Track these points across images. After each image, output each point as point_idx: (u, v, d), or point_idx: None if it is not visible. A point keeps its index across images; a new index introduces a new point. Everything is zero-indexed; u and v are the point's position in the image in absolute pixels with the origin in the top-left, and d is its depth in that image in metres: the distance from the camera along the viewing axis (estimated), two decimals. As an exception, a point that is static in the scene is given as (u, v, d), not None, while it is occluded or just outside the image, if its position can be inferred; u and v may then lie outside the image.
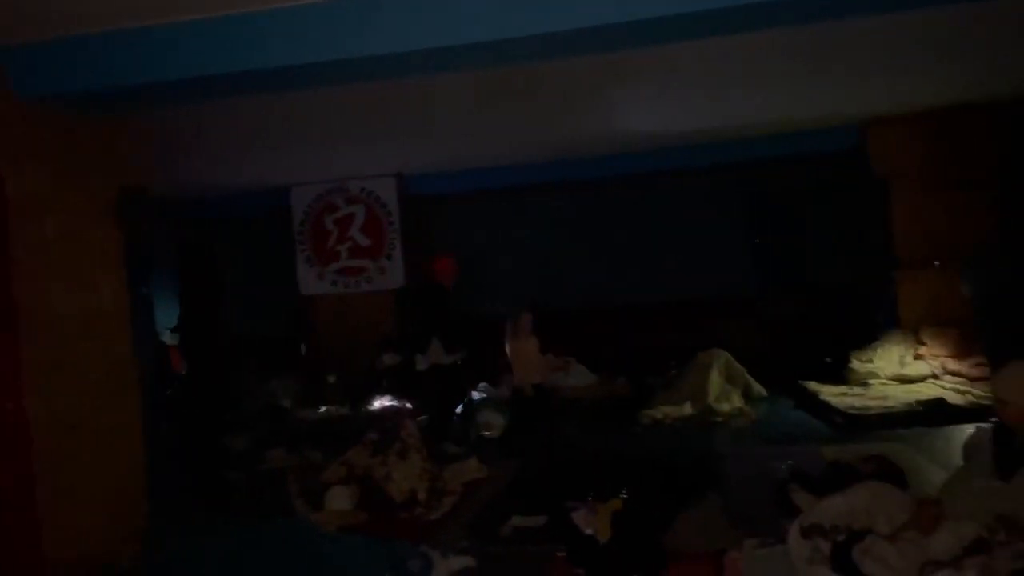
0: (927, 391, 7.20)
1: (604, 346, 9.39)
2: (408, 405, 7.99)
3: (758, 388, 8.03)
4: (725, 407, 7.46)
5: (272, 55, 3.90)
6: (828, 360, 8.29)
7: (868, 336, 8.35)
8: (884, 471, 4.29)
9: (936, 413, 6.36)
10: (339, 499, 5.02)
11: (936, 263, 7.99)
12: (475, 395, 8.30)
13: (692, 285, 10.09)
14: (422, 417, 7.60)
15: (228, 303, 9.45)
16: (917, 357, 7.84)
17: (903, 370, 7.74)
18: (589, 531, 4.22)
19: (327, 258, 9.62)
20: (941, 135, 8.06)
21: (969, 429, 4.47)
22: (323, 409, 8.35)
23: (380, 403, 8.07)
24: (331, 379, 8.78)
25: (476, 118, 6.87)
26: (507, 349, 7.53)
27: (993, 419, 3.58)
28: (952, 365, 7.55)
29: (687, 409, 7.44)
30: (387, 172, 9.30)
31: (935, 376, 7.62)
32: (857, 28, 5.01)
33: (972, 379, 7.07)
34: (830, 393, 7.48)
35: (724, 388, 7.79)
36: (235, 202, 9.90)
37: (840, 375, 8.02)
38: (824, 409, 7.06)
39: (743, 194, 10.31)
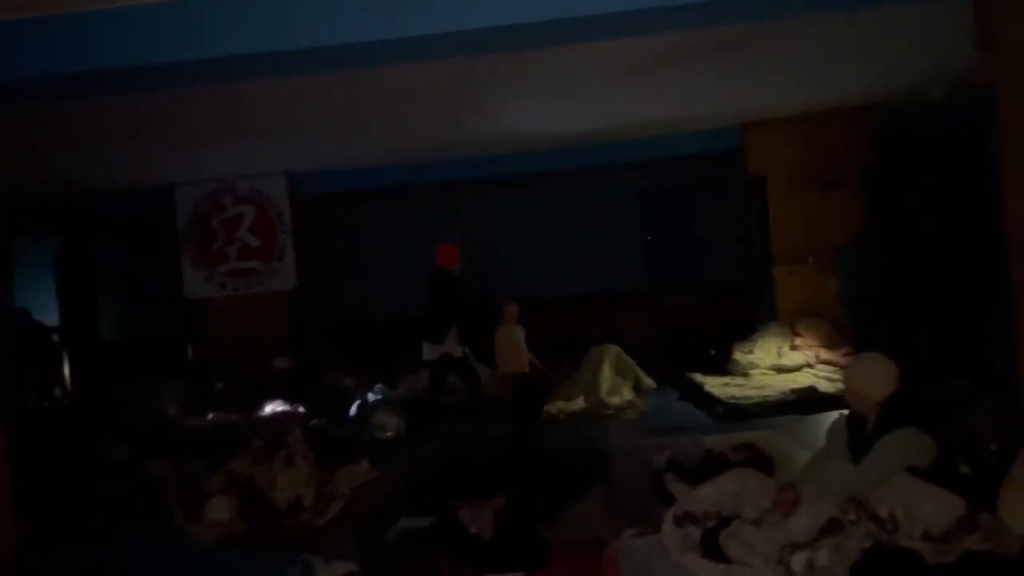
0: (802, 380, 7.56)
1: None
2: (300, 410, 7.83)
3: (648, 381, 8.27)
4: (615, 400, 7.65)
5: (150, 51, 3.74)
6: (713, 352, 8.60)
7: (749, 328, 8.71)
8: (754, 459, 4.50)
9: (808, 401, 6.69)
10: (219, 509, 4.87)
11: (809, 259, 8.40)
12: (370, 396, 8.21)
13: (587, 281, 10.30)
14: (315, 421, 7.48)
15: (107, 306, 9.06)
16: (793, 348, 8.23)
17: (780, 360, 8.11)
18: (473, 529, 4.25)
19: (215, 260, 9.32)
20: (813, 137, 8.48)
21: (836, 416, 4.70)
22: (211, 416, 8.08)
23: (271, 409, 7.88)
24: (219, 385, 8.51)
25: (364, 116, 6.81)
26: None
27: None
28: (825, 355, 7.97)
29: (579, 403, 7.58)
30: (276, 171, 9.08)
31: (810, 365, 8.01)
32: (736, 32, 5.22)
33: (842, 367, 7.47)
34: (713, 384, 7.77)
35: (615, 382, 7.98)
36: (119, 202, 9.47)
37: (724, 366, 8.34)
38: (707, 399, 7.33)
39: (635, 192, 10.58)
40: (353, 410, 7.81)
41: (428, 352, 7.11)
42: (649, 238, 10.56)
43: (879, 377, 3.49)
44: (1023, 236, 3.72)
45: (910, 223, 8.09)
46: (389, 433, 7.25)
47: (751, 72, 6.49)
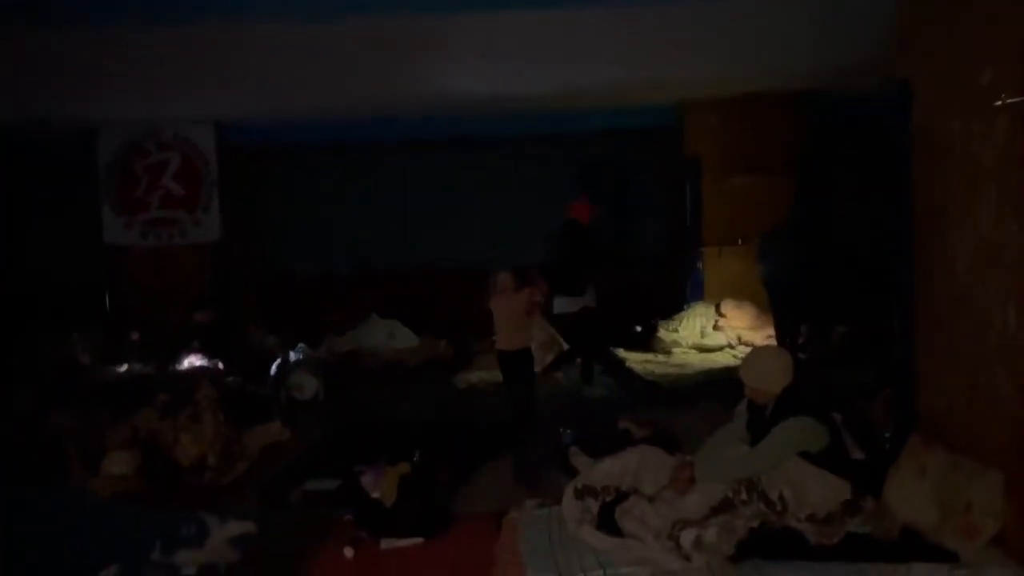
0: (722, 360, 7.71)
1: (429, 309, 9.40)
2: (219, 366, 7.66)
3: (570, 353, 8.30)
4: (537, 372, 7.66)
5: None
6: (638, 328, 8.69)
7: (676, 307, 8.82)
8: (657, 436, 4.57)
9: (723, 381, 6.81)
10: (117, 464, 4.76)
11: (739, 241, 8.52)
12: (291, 356, 8.09)
13: (519, 251, 10.22)
14: (232, 378, 7.34)
15: (20, 251, 8.67)
16: (716, 328, 8.38)
17: (703, 340, 8.25)
18: (376, 494, 4.24)
19: (136, 207, 9.00)
20: (749, 120, 8.57)
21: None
22: (124, 367, 7.86)
23: (188, 363, 7.69)
24: (135, 335, 8.27)
25: (297, 69, 6.60)
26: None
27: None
28: (747, 336, 8.13)
29: (497, 375, 7.57)
30: (205, 119, 8.78)
31: (731, 346, 8.17)
32: (674, 11, 5.20)
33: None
34: (636, 360, 7.86)
35: (538, 354, 7.98)
36: (36, 142, 9.04)
37: (648, 343, 8.44)
38: (628, 375, 7.41)
39: (571, 164, 10.54)
40: (273, 369, 7.67)
41: (562, 305, 6.97)
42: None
43: (774, 370, 3.56)
44: (925, 227, 3.82)
45: (835, 211, 8.24)
46: (307, 394, 7.16)
47: (686, 51, 6.49)
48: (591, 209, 7.14)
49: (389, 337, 8.90)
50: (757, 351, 3.74)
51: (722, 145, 8.70)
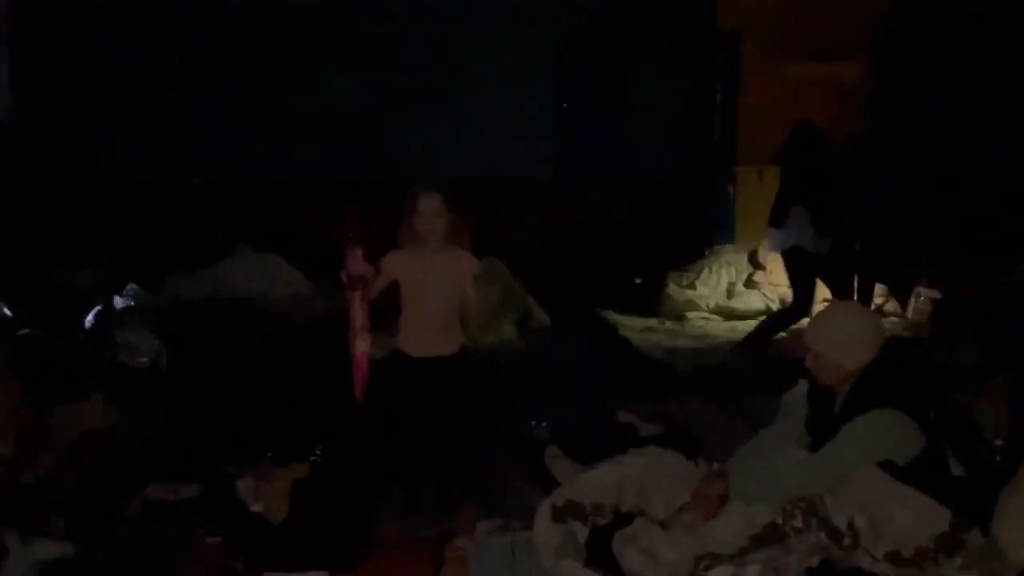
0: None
1: (327, 240, 9.35)
2: (5, 312, 7.56)
3: (540, 314, 8.40)
4: (490, 338, 7.75)
5: None
6: (638, 281, 8.82)
7: (692, 252, 8.95)
8: (672, 435, 4.68)
9: (762, 361, 6.98)
10: None
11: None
12: (118, 302, 8.03)
13: (467, 161, 10.26)
14: (25, 331, 7.25)
15: None
16: (750, 285, 8.54)
17: (730, 301, 8.42)
18: (257, 507, 4.27)
19: None
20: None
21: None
22: None
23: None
24: None
25: None
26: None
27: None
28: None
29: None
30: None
31: (771, 312, 8.34)
32: None
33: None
34: (633, 328, 7.99)
35: (492, 313, 8.07)
36: None
37: (651, 303, 8.57)
38: (621, 349, 7.54)
39: (553, 42, 10.53)
40: (89, 320, 7.62)
41: (775, 242, 7.10)
42: (565, 105, 10.57)
43: (856, 335, 3.65)
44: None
45: (933, 119, 8.34)
46: (143, 359, 7.12)
47: None
48: (833, 109, 7.36)
49: (267, 280, 8.86)
50: (833, 307, 3.84)
51: (771, 17, 8.74)
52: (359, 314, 4.36)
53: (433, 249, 4.42)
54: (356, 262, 4.35)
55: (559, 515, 3.88)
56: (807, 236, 6.93)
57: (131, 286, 8.19)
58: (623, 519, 3.81)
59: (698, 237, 9.30)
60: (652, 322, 8.21)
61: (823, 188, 7.02)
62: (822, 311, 3.86)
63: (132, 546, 4.22)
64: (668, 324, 8.16)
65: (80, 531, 4.21)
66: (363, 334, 4.39)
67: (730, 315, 8.29)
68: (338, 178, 9.82)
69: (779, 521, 3.57)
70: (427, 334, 4.49)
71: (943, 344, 6.57)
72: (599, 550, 3.74)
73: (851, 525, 3.51)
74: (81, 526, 4.31)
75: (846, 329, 3.67)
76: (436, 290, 4.43)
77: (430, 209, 4.40)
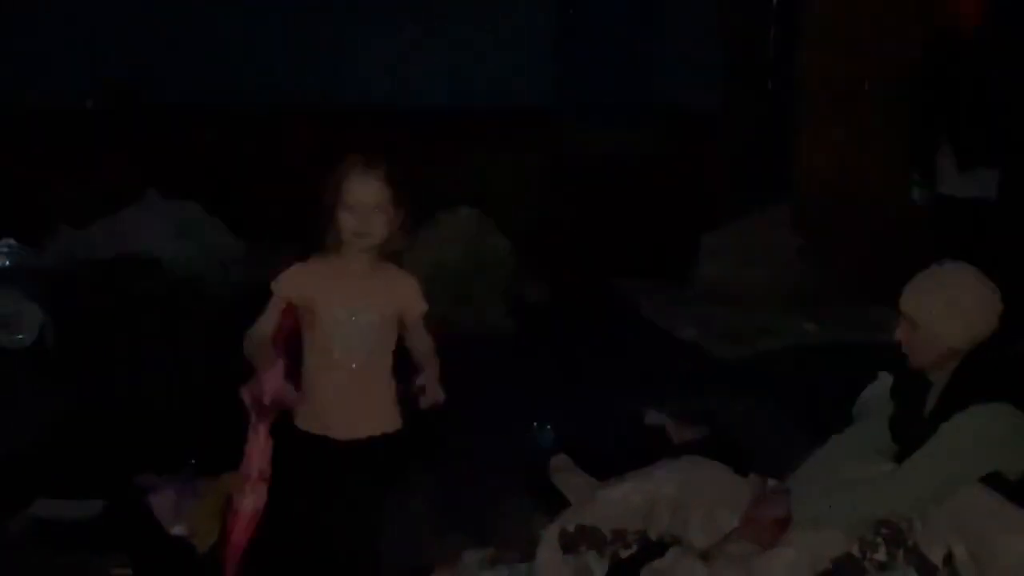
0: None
1: (265, 186, 9.32)
2: None
3: (535, 288, 8.38)
4: (471, 317, 7.71)
5: None
6: (663, 242, 8.78)
7: (734, 207, 8.92)
8: (715, 441, 4.66)
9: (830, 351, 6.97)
10: None
11: (865, 85, 8.64)
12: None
13: (449, 85, 10.24)
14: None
15: None
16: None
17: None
18: (178, 529, 4.27)
19: None
20: None
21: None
22: None
23: None
24: None
25: None
26: None
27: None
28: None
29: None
30: None
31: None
32: None
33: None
34: (658, 303, 7.96)
35: (473, 282, 8.05)
36: None
37: (681, 270, 8.55)
38: (645, 332, 7.51)
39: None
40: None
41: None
42: (571, 11, 10.52)
43: (964, 305, 3.61)
44: None
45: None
46: (22, 335, 7.14)
47: None
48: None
49: (179, 235, 8.81)
50: (939, 268, 3.77)
51: None
52: (258, 454, 3.61)
53: (361, 265, 3.52)
54: (273, 379, 3.53)
55: (569, 544, 3.89)
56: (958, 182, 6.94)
57: (6, 241, 8.13)
58: (653, 549, 3.80)
59: (740, 187, 9.27)
60: (686, 295, 8.17)
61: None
62: (924, 272, 3.79)
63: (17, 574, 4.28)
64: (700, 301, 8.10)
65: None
66: (259, 486, 3.66)
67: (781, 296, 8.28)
68: (289, 104, 9.88)
69: (856, 553, 3.55)
70: (346, 403, 3.57)
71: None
72: (623, 588, 3.73)
73: (949, 558, 3.49)
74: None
75: (953, 295, 3.63)
76: (366, 332, 3.52)
77: (367, 197, 3.41)
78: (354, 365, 3.50)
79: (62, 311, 7.30)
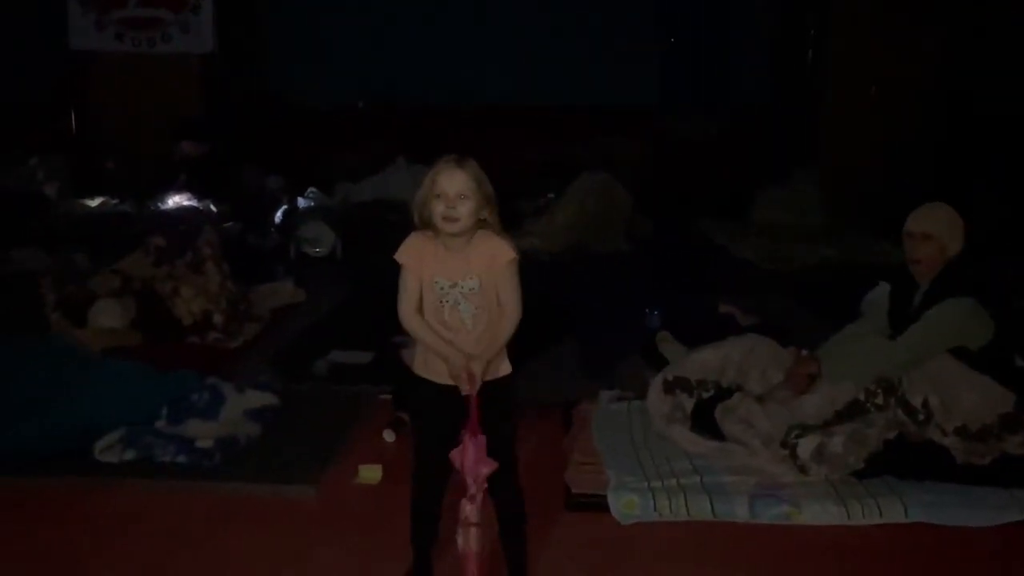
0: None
1: (470, 154, 9.31)
2: (212, 208, 7.75)
3: (643, 223, 8.30)
4: (602, 245, 7.69)
5: None
6: (729, 195, 8.61)
7: (780, 171, 8.70)
8: (767, 325, 4.60)
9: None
10: (108, 314, 4.89)
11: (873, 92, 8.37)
12: (300, 202, 8.17)
13: (579, 87, 10.04)
14: (230, 224, 7.43)
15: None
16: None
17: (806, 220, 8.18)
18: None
19: (109, 1, 8.89)
20: None
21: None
22: (98, 201, 8.00)
23: (175, 202, 7.79)
24: (110, 164, 8.36)
25: None
26: None
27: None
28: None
29: (558, 242, 7.61)
30: None
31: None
32: None
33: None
34: (726, 236, 7.84)
35: (602, 220, 7.99)
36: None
37: (742, 213, 8.41)
38: (716, 254, 7.45)
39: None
40: (278, 217, 7.80)
41: None
42: (672, 40, 10.22)
43: (956, 223, 3.54)
44: None
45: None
46: (321, 249, 7.31)
47: None
48: None
49: (418, 185, 8.86)
50: (933, 203, 3.65)
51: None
52: (472, 506, 2.65)
53: (456, 240, 2.69)
54: (478, 452, 2.60)
55: (669, 388, 3.90)
56: None
57: (311, 190, 8.30)
58: (724, 393, 3.80)
59: (779, 158, 9.02)
60: (748, 232, 8.01)
61: None
62: (922, 206, 3.66)
63: (321, 398, 4.35)
64: (763, 240, 7.91)
65: (283, 385, 4.35)
66: (476, 531, 2.66)
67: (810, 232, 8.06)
68: (474, 102, 9.70)
69: (862, 398, 3.54)
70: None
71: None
72: (703, 418, 3.75)
73: (925, 403, 3.46)
74: (280, 381, 4.45)
75: (951, 214, 3.58)
76: (468, 297, 2.70)
77: (453, 187, 2.65)
78: (463, 324, 2.70)
79: (346, 234, 7.45)
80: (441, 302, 2.70)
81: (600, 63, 10.07)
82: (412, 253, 2.73)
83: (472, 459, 2.60)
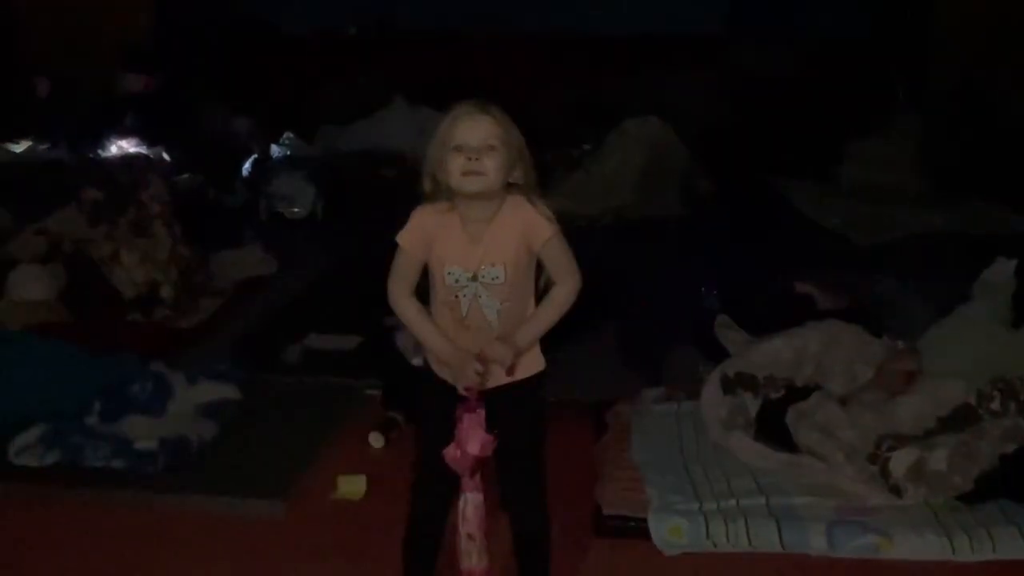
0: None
1: (489, 98, 9.29)
2: (163, 156, 7.80)
3: (705, 182, 8.25)
4: (649, 210, 7.64)
5: None
6: (813, 148, 8.55)
7: (877, 118, 8.63)
8: (854, 309, 4.56)
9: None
10: (30, 284, 4.93)
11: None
12: (274, 151, 8.20)
13: (621, 9, 10.01)
14: (185, 176, 7.46)
15: None
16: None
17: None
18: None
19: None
20: None
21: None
22: (23, 146, 8.07)
23: (117, 147, 7.85)
24: (43, 93, 8.41)
25: None
26: None
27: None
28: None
29: (595, 204, 7.57)
30: None
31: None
32: None
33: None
34: (808, 198, 7.77)
35: (651, 177, 7.95)
36: None
37: (828, 173, 8.35)
38: (795, 219, 7.40)
39: None
40: (246, 169, 7.84)
41: None
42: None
43: None
44: None
45: None
46: (298, 209, 7.30)
47: None
48: None
49: (420, 133, 8.88)
50: None
51: None
52: (475, 514, 2.56)
53: (478, 213, 2.48)
54: (474, 433, 2.45)
55: (729, 386, 3.87)
56: None
57: (287, 135, 8.32)
58: (798, 393, 3.76)
59: (884, 107, 8.95)
60: (831, 192, 7.94)
61: None
62: None
63: (293, 393, 4.33)
64: (851, 202, 7.86)
65: (245, 375, 4.32)
66: (481, 551, 2.58)
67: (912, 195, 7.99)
68: (489, 31, 9.68)
69: (973, 402, 3.47)
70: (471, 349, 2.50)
71: None
72: (771, 424, 3.71)
73: (1054, 412, 3.39)
74: (243, 371, 4.44)
75: None
76: (491, 290, 2.49)
77: (475, 137, 2.42)
78: (487, 325, 2.51)
79: (329, 190, 7.45)
80: (456, 297, 2.50)
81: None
82: (418, 236, 2.51)
83: (468, 436, 2.43)
